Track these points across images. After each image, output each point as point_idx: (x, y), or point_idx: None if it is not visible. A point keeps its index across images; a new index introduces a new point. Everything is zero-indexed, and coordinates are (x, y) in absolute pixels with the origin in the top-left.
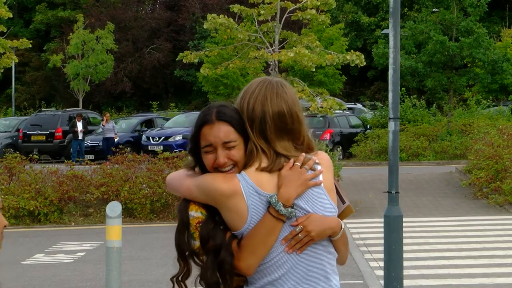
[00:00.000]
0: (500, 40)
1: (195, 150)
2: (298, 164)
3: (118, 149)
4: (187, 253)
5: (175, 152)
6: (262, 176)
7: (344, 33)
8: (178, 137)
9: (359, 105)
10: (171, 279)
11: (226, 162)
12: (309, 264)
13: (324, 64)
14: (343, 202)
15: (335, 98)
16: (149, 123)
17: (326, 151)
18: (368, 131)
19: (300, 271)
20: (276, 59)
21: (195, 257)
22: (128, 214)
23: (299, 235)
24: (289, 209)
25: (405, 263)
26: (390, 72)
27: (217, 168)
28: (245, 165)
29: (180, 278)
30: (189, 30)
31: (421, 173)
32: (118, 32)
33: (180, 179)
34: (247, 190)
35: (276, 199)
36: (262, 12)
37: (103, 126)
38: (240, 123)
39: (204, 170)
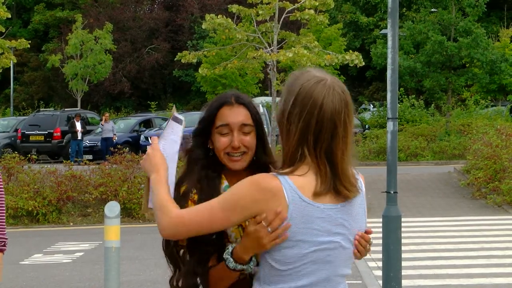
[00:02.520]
0: (498, 40)
1: (204, 132)
2: (265, 224)
3: (116, 149)
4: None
5: None
6: (303, 181)
7: (343, 33)
8: None
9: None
10: (170, 283)
11: (240, 146)
12: (327, 282)
13: (322, 64)
14: None
15: None
16: (148, 123)
17: None
18: (366, 131)
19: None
20: (275, 59)
21: (177, 254)
22: (127, 214)
23: (368, 246)
24: (241, 266)
25: (403, 263)
26: (389, 72)
27: (228, 153)
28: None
29: (175, 281)
30: (188, 30)
31: (419, 173)
32: (116, 32)
33: (206, 211)
34: (290, 195)
35: (230, 254)
36: (260, 12)
37: (102, 125)
38: (255, 112)
39: (201, 156)
